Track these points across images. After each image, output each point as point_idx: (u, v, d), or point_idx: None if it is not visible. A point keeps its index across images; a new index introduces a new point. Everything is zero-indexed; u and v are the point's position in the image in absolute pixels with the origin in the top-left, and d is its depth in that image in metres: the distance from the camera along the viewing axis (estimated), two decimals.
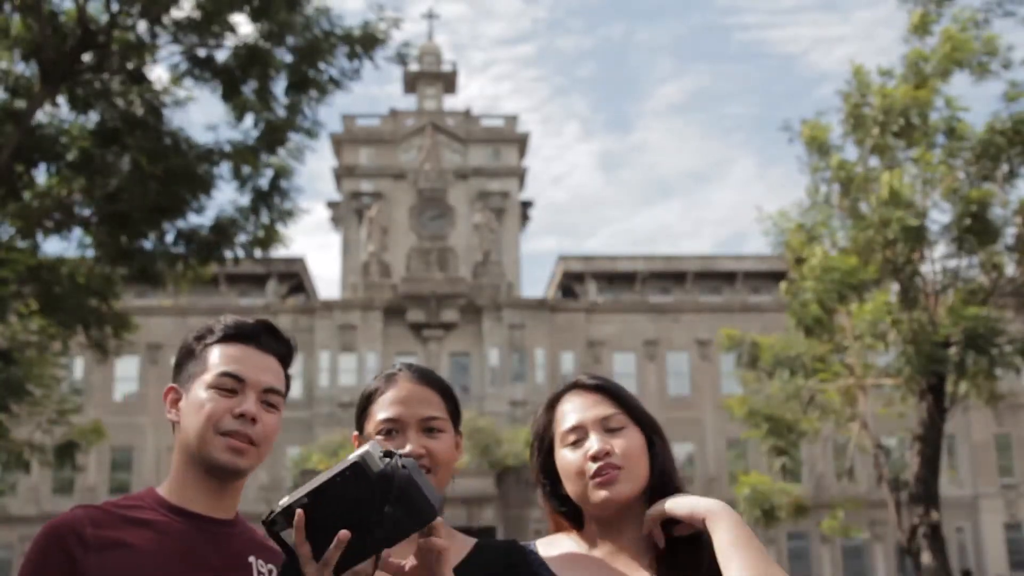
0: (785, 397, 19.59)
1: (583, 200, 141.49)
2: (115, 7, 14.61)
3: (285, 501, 1.69)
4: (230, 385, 2.06)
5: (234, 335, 2.12)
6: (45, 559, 1.97)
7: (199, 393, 2.07)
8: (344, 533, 1.63)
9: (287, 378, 2.17)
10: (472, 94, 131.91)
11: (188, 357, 2.16)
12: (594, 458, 2.05)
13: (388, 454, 1.68)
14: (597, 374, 2.20)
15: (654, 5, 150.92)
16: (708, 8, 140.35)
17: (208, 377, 2.08)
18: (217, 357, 2.10)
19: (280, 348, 2.15)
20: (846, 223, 18.50)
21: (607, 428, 2.09)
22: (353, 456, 1.67)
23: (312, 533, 1.66)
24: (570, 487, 2.09)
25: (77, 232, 16.11)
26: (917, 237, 17.32)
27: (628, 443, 2.08)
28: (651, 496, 2.11)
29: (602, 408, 2.11)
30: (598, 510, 2.09)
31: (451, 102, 54.85)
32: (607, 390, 2.14)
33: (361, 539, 1.65)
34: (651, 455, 2.13)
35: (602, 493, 2.04)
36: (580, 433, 2.09)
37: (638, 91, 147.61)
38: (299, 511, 1.67)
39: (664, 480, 2.12)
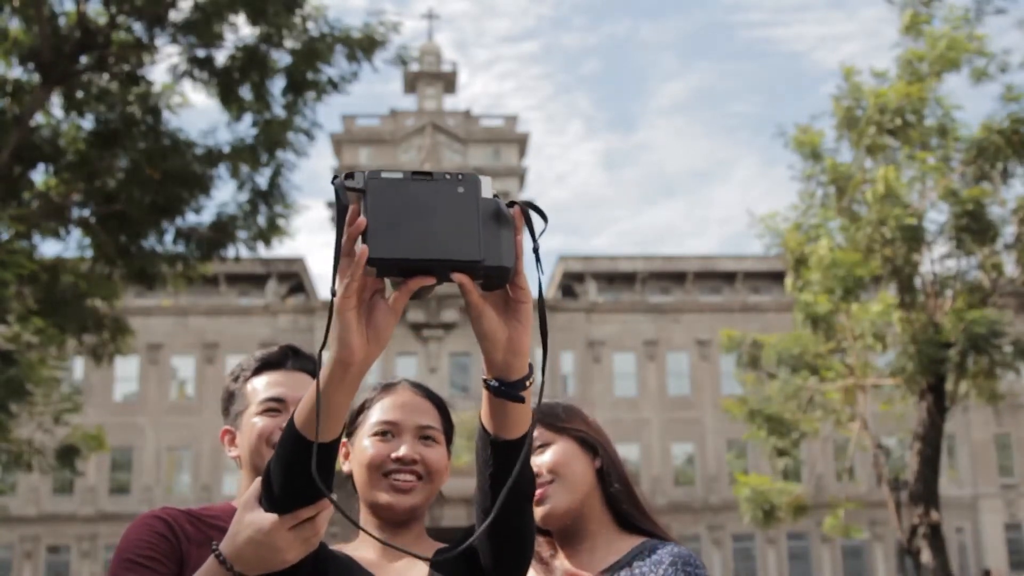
0: (784, 397, 19.59)
1: (586, 199, 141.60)
2: (114, 8, 14.63)
3: (376, 170, 1.47)
4: (274, 407, 2.25)
5: (264, 365, 2.32)
6: (155, 532, 2.09)
7: (250, 423, 2.25)
8: (361, 220, 1.39)
9: None
10: (476, 92, 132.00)
11: (230, 399, 2.34)
12: None
13: (497, 196, 1.48)
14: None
15: (658, 2, 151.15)
16: (713, 5, 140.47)
17: (254, 408, 2.26)
18: (255, 389, 2.29)
19: (307, 365, 2.34)
20: (844, 225, 18.51)
21: (532, 449, 2.13)
22: (469, 172, 1.47)
23: (375, 212, 1.40)
24: None
25: (75, 233, 16.12)
26: (915, 236, 17.33)
27: (554, 456, 2.15)
28: (610, 493, 2.19)
29: None
30: (544, 525, 2.16)
31: (451, 102, 54.96)
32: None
33: (427, 240, 1.41)
34: (599, 458, 2.21)
35: (538, 511, 2.12)
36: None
37: (642, 89, 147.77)
38: (375, 179, 1.42)
39: (613, 478, 2.21)
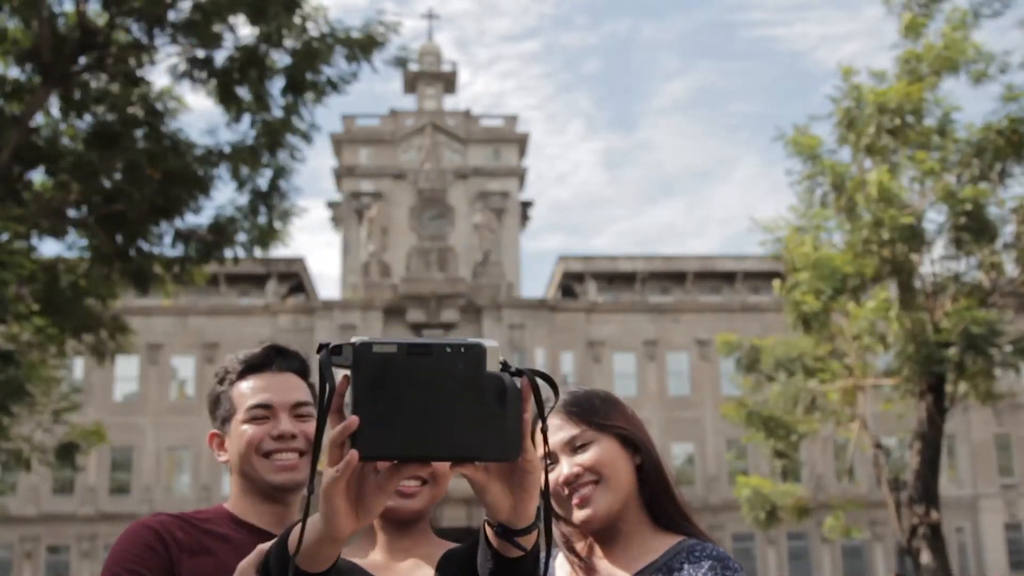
0: (784, 400, 19.59)
1: (587, 198, 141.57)
2: (114, 9, 14.63)
3: (366, 338, 1.34)
4: (262, 414, 2.23)
5: (249, 368, 2.27)
6: (143, 544, 2.10)
7: (239, 430, 2.24)
8: (352, 420, 1.29)
9: (311, 385, 2.32)
10: (477, 91, 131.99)
11: (216, 403, 2.31)
12: (566, 484, 2.09)
13: (505, 365, 1.34)
14: (570, 389, 2.19)
15: (660, 1, 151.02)
16: (714, 4, 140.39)
17: (240, 415, 2.24)
18: (242, 394, 2.26)
19: (293, 364, 2.31)
20: (843, 224, 18.50)
21: (574, 448, 2.11)
22: (474, 339, 1.33)
23: (366, 398, 1.30)
24: (559, 511, 2.13)
25: (73, 233, 16.12)
26: (913, 236, 17.33)
27: (598, 457, 2.09)
28: (648, 491, 2.14)
29: (567, 430, 2.12)
30: (586, 529, 2.12)
31: (451, 102, 54.94)
32: (568, 410, 2.14)
33: (422, 434, 1.29)
34: (639, 455, 2.15)
35: (581, 514, 2.09)
36: (551, 458, 2.10)
37: (643, 88, 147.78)
38: (366, 352, 1.29)
39: (652, 476, 2.15)
